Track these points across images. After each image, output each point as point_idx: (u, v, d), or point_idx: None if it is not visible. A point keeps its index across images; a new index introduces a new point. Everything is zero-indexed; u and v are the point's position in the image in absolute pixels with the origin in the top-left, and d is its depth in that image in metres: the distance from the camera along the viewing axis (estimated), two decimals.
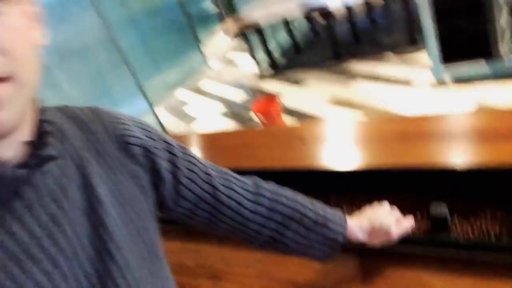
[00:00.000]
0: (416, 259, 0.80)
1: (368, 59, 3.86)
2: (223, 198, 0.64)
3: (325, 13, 3.95)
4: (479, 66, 2.67)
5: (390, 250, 0.80)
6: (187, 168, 0.61)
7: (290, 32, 4.86)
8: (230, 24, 4.58)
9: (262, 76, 4.64)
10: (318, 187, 1.05)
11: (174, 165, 0.59)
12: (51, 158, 0.46)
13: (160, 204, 0.60)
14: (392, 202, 0.87)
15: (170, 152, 0.59)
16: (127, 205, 0.52)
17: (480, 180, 0.87)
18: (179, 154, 0.61)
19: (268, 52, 4.53)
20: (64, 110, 0.54)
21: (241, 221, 0.66)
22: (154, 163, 0.57)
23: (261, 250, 0.73)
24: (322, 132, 1.41)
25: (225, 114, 4.23)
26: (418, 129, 1.18)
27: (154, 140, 0.58)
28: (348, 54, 4.10)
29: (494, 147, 0.98)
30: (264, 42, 4.46)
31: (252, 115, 3.81)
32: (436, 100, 2.85)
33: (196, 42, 5.78)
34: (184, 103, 5.04)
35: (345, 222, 0.73)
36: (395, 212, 0.80)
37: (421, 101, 2.93)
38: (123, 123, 0.56)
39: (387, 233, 0.76)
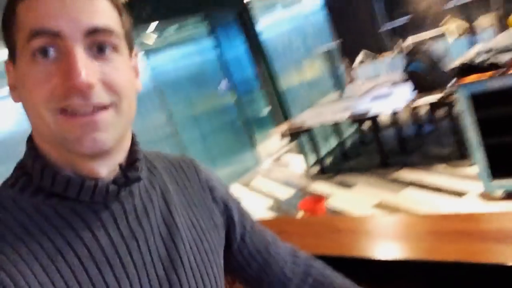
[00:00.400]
0: None
1: (417, 168, 3.91)
2: (273, 252, 0.73)
3: (373, 120, 4.15)
4: None
5: None
6: (250, 220, 0.73)
7: (339, 137, 5.08)
8: (284, 127, 4.89)
9: (311, 177, 4.77)
10: (347, 274, 1.10)
11: (241, 215, 0.71)
12: (137, 179, 0.55)
13: (227, 246, 0.68)
14: None
15: (239, 206, 0.71)
16: (202, 236, 0.61)
17: (506, 278, 0.90)
18: (245, 208, 0.73)
19: (318, 155, 4.72)
20: (158, 151, 0.67)
21: (283, 279, 0.73)
22: (228, 209, 0.68)
23: None
24: (356, 225, 1.47)
25: (273, 210, 4.32)
26: (452, 227, 1.22)
27: (229, 192, 0.71)
28: (396, 161, 4.18)
29: None
30: (314, 145, 4.68)
31: (298, 213, 3.87)
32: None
33: (251, 142, 6.13)
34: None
35: None
36: None
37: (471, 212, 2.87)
38: (209, 172, 0.70)
39: None
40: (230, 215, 0.68)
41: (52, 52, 0.47)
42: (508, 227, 1.11)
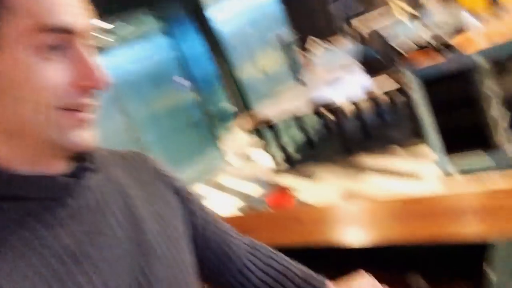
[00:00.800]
0: None
1: (377, 153, 4.00)
2: (233, 246, 0.71)
3: (333, 108, 4.21)
4: (482, 157, 2.74)
5: None
6: (209, 212, 0.70)
7: (302, 127, 5.12)
8: (245, 121, 4.88)
9: (277, 171, 4.79)
10: (314, 264, 1.10)
11: (200, 207, 0.68)
12: (88, 169, 0.53)
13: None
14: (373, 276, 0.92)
15: (192, 196, 0.69)
16: (169, 225, 0.59)
17: (452, 254, 0.92)
18: (201, 200, 0.71)
19: (282, 147, 4.74)
20: (107, 148, 0.64)
21: (245, 273, 0.71)
22: (186, 201, 0.65)
23: None
24: (320, 215, 1.48)
25: (242, 208, 4.31)
26: (411, 211, 1.25)
27: (184, 184, 0.68)
28: (358, 148, 4.26)
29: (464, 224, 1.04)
30: (278, 138, 4.69)
31: (268, 208, 3.87)
32: (443, 192, 2.89)
33: (214, 139, 6.08)
34: (202, 198, 5.15)
35: (325, 280, 0.77)
36: (374, 282, 0.85)
37: (430, 193, 2.96)
38: (161, 164, 0.67)
39: None
40: (189, 207, 0.66)
41: (62, 48, 0.46)
42: (461, 206, 1.15)
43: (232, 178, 5.37)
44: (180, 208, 0.64)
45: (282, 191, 3.70)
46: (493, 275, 0.78)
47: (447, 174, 3.00)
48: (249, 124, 4.74)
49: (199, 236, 0.68)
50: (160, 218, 0.58)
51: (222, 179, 5.51)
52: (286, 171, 4.65)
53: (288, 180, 4.40)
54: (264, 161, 5.27)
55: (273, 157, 5.00)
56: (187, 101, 5.70)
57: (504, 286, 0.75)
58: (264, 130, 4.83)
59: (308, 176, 4.27)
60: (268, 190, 4.37)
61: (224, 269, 0.70)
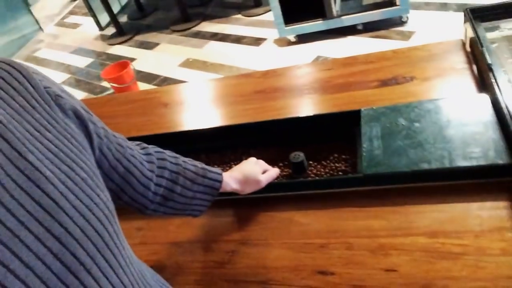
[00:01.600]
0: (282, 201, 0.91)
1: (216, 19, 3.93)
2: (129, 157, 0.65)
3: None
4: (317, 25, 2.96)
5: (260, 197, 0.90)
6: (101, 126, 0.58)
7: None
8: None
9: (107, 40, 4.34)
10: (186, 149, 1.08)
11: (92, 122, 0.55)
12: None
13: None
14: (259, 155, 0.96)
15: (87, 112, 0.55)
16: (72, 164, 0.45)
17: (328, 126, 1.01)
18: (91, 112, 0.57)
19: (111, 13, 4.23)
20: None
21: (144, 182, 0.67)
22: (80, 119, 0.51)
23: (150, 216, 0.75)
24: (180, 96, 1.42)
25: (72, 84, 3.88)
26: (272, 84, 1.29)
27: (72, 97, 0.53)
28: (196, 15, 4.09)
29: (332, 95, 1.14)
30: (104, 2, 4.13)
31: (103, 83, 3.58)
32: (283, 57, 3.09)
33: (23, 2, 5.06)
34: None
35: (221, 171, 0.81)
36: (262, 163, 0.91)
37: (270, 58, 3.13)
38: (43, 76, 0.49)
39: (257, 181, 0.86)
40: (84, 126, 0.52)
41: None
42: (324, 77, 1.23)
43: (53, 51, 4.68)
44: (83, 136, 0.51)
45: (119, 63, 3.41)
46: (363, 141, 0.88)
47: (286, 40, 3.17)
48: None
49: (103, 159, 0.59)
50: (61, 158, 0.44)
51: (41, 51, 4.77)
52: (118, 40, 4.24)
53: (122, 51, 4.06)
54: (90, 29, 4.67)
55: (101, 24, 4.46)
56: None
57: (372, 147, 0.87)
58: None
59: (144, 45, 4.00)
60: (99, 63, 3.99)
61: (126, 186, 0.65)
